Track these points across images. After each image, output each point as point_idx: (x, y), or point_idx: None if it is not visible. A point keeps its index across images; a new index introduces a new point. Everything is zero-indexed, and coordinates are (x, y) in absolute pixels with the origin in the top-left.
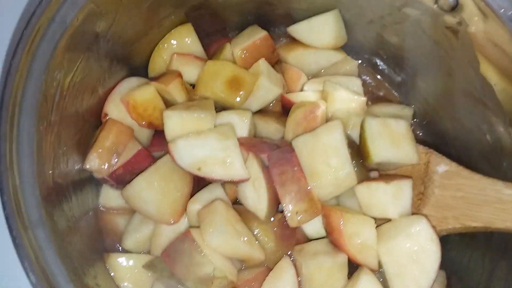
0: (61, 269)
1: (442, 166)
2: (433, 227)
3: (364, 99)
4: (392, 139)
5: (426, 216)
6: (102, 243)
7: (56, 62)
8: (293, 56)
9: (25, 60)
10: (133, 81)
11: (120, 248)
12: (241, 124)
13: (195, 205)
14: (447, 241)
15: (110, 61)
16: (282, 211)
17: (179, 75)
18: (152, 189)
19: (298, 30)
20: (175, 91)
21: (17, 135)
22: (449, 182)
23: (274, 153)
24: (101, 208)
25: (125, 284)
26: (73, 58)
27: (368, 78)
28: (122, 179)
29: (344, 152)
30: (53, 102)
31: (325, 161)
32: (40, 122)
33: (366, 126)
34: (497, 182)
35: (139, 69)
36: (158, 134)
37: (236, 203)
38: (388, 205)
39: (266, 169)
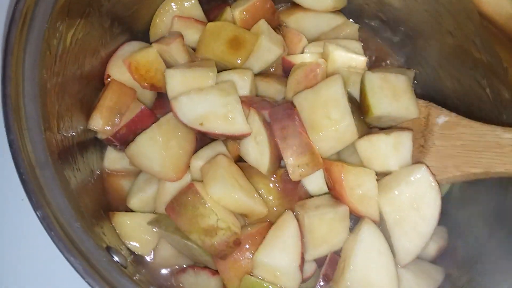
0: (68, 209)
1: (442, 117)
2: (433, 175)
3: (364, 58)
4: (392, 93)
5: (426, 165)
6: (108, 203)
7: (58, 13)
8: (293, 20)
9: (28, 7)
10: (135, 44)
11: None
12: (242, 83)
13: (198, 161)
14: (448, 199)
15: (111, 22)
16: (284, 167)
17: (180, 35)
18: (156, 146)
19: None
20: (176, 51)
21: (22, 79)
22: (449, 132)
23: (275, 109)
24: (106, 170)
25: (131, 242)
26: (75, 11)
27: (369, 42)
28: (125, 139)
29: (344, 105)
30: (56, 53)
31: (325, 114)
32: (44, 68)
33: (366, 80)
34: (496, 127)
35: (141, 35)
36: (161, 97)
37: (238, 161)
38: (389, 157)
39: (267, 125)
